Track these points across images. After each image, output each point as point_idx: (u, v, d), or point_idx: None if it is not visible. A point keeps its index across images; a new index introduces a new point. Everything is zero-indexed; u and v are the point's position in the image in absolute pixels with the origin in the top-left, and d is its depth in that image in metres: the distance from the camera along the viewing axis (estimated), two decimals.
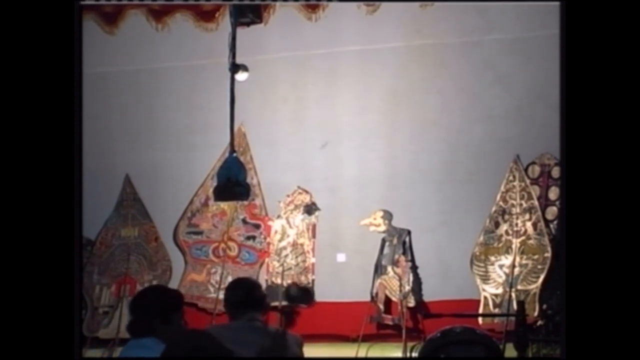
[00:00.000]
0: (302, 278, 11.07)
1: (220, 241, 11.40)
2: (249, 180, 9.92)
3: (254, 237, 11.37)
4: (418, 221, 10.67)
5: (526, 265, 10.25)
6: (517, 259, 10.26)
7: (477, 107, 10.77)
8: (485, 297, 10.34)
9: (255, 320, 4.26)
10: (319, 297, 11.00)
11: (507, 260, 10.33)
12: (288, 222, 11.21)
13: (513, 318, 8.34)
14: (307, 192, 11.20)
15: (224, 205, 11.21)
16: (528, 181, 10.49)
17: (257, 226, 11.39)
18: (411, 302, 10.41)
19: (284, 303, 10.71)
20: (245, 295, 4.33)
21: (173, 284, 11.38)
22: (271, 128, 11.39)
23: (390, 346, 10.06)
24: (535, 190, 10.47)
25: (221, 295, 11.00)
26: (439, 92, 10.92)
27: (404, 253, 10.57)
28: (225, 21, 10.17)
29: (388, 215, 10.67)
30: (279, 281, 10.87)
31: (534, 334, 9.08)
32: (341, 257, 11.05)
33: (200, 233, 11.49)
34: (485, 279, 10.40)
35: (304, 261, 11.13)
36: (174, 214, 11.55)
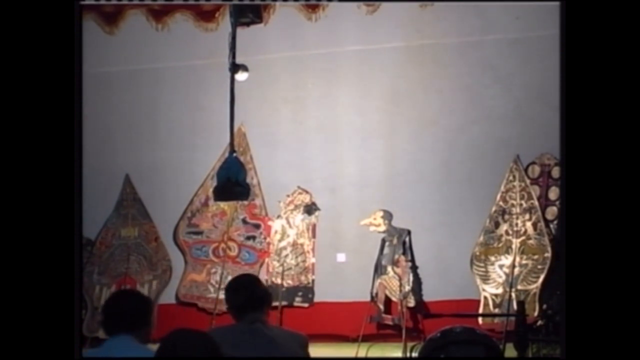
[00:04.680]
0: (302, 278, 11.07)
1: (220, 241, 11.40)
2: (249, 180, 9.92)
3: (254, 237, 11.37)
4: (418, 221, 10.67)
5: (526, 265, 10.25)
6: (517, 259, 10.27)
7: (477, 107, 10.76)
8: (485, 297, 10.34)
9: (257, 322, 4.20)
10: (319, 297, 11.00)
11: (507, 260, 10.33)
12: (288, 222, 11.21)
13: (513, 318, 8.35)
14: (307, 192, 11.21)
15: (224, 205, 11.21)
16: (528, 181, 10.49)
17: (257, 226, 11.39)
18: (411, 302, 10.41)
19: (284, 303, 10.72)
20: (246, 297, 4.25)
21: (173, 284, 11.40)
22: (271, 128, 11.39)
23: (390, 346, 10.05)
24: (535, 190, 10.47)
25: (221, 295, 11.01)
26: (439, 92, 10.92)
27: (404, 253, 10.57)
28: (225, 21, 10.17)
29: (388, 215, 10.67)
30: (279, 281, 10.87)
31: (534, 334, 9.08)
32: (341, 257, 11.05)
33: (200, 233, 11.49)
34: (485, 279, 10.40)
35: (304, 261, 11.13)
36: (174, 214, 11.55)
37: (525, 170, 10.55)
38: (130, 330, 3.84)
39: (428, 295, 10.58)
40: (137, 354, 3.78)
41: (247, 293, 4.25)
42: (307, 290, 11.04)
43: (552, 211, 10.40)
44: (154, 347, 3.05)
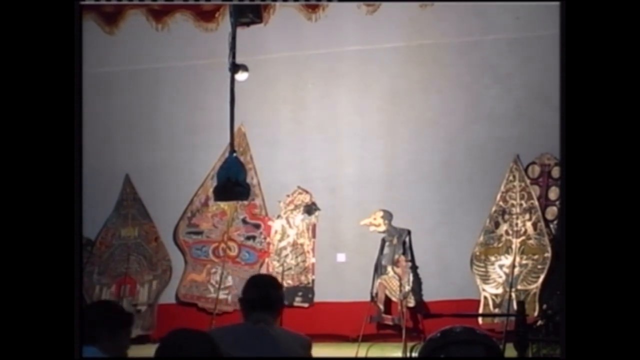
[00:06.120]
0: (302, 278, 11.07)
1: (220, 241, 11.40)
2: (249, 180, 9.92)
3: (254, 237, 11.37)
4: (418, 221, 10.67)
5: (526, 265, 10.25)
6: (517, 259, 10.27)
7: (477, 107, 10.77)
8: (485, 297, 10.35)
9: (261, 322, 4.21)
10: (319, 297, 11.01)
11: (507, 260, 10.33)
12: (288, 222, 11.21)
13: (513, 318, 8.34)
14: (307, 192, 11.21)
15: (224, 205, 11.21)
16: (528, 181, 10.50)
17: (257, 226, 11.40)
18: (411, 302, 10.41)
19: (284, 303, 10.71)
20: (259, 295, 4.27)
21: (173, 284, 11.40)
22: (271, 128, 11.40)
23: (390, 346, 10.06)
24: (535, 190, 10.48)
25: (221, 295, 11.05)
26: (439, 92, 10.92)
27: (404, 253, 10.57)
28: (225, 21, 10.18)
29: (388, 215, 10.67)
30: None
31: (534, 334, 9.08)
32: (341, 257, 11.05)
33: (200, 233, 11.49)
34: (485, 279, 10.41)
35: (304, 261, 11.14)
36: (174, 214, 11.55)
37: (525, 170, 10.56)
38: (93, 342, 3.83)
39: (428, 295, 10.58)
40: None
41: (261, 292, 4.27)
42: (307, 290, 11.04)
43: (552, 211, 10.40)
44: (153, 347, 3.05)
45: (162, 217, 11.61)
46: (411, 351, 8.15)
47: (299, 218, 11.18)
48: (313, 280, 11.09)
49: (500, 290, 10.29)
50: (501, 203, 10.55)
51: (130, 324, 4.06)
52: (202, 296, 11.31)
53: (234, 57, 9.07)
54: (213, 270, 11.37)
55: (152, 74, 11.67)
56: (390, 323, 10.48)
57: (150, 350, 3.25)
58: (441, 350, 2.91)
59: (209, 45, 10.71)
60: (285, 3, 10.75)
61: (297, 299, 10.99)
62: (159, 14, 11.31)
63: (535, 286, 10.11)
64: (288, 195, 11.25)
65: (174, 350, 2.97)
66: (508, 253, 10.36)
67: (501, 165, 10.60)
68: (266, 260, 11.24)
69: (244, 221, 11.43)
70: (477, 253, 10.51)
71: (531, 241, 10.30)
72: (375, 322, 10.51)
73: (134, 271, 11.49)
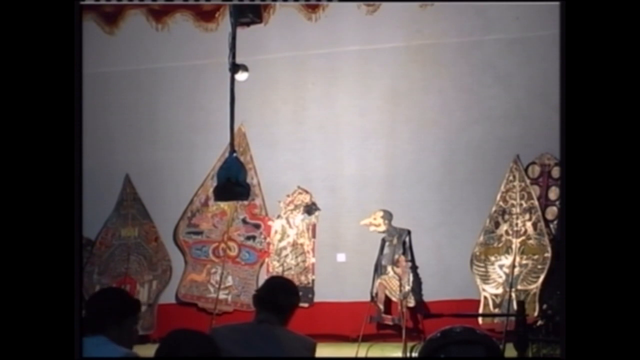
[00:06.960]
0: (302, 278, 11.07)
1: (220, 241, 11.40)
2: (249, 180, 9.91)
3: (254, 237, 11.37)
4: (418, 221, 10.67)
5: (526, 265, 10.25)
6: (517, 259, 10.27)
7: (477, 107, 10.76)
8: (485, 297, 10.34)
9: (265, 322, 4.24)
10: (319, 297, 11.00)
11: (507, 260, 10.33)
12: (288, 222, 11.21)
13: (513, 318, 8.34)
14: (307, 192, 11.21)
15: (224, 205, 11.21)
16: (528, 181, 10.49)
17: (257, 226, 11.39)
18: (411, 302, 10.41)
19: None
20: (265, 295, 4.34)
21: (173, 284, 11.40)
22: (271, 128, 11.39)
23: (390, 346, 10.06)
24: (535, 190, 10.47)
25: (221, 295, 11.05)
26: (439, 92, 10.92)
27: (404, 253, 10.57)
28: (225, 21, 10.17)
29: (388, 215, 10.67)
30: None
31: (534, 334, 9.08)
32: (341, 257, 11.04)
33: (200, 233, 11.49)
34: (485, 279, 10.40)
35: (304, 261, 11.13)
36: (174, 214, 11.55)
37: (525, 170, 10.55)
38: (100, 330, 3.84)
39: (428, 295, 10.57)
40: (108, 353, 3.79)
41: (270, 293, 4.34)
42: (307, 290, 11.04)
43: (552, 211, 10.40)
44: (153, 347, 3.05)
45: (162, 217, 11.60)
46: (411, 351, 8.15)
47: (299, 218, 11.18)
48: (313, 280, 11.09)
49: (500, 290, 10.29)
50: (501, 203, 10.55)
51: (135, 311, 4.06)
52: (202, 296, 11.31)
53: (234, 57, 9.06)
54: (213, 270, 11.37)
55: (152, 74, 11.66)
56: (390, 323, 10.48)
57: (150, 350, 3.26)
58: (441, 350, 2.91)
59: (209, 45, 10.71)
60: (285, 3, 10.75)
61: None
62: (159, 14, 11.31)
63: (535, 286, 10.11)
64: (288, 195, 11.25)
65: (173, 350, 2.97)
66: (508, 253, 10.36)
67: (501, 165, 10.59)
68: (266, 260, 11.24)
69: (244, 221, 11.42)
70: (477, 253, 10.51)
71: (531, 241, 10.30)
72: (375, 322, 10.51)
73: (134, 271, 11.49)
